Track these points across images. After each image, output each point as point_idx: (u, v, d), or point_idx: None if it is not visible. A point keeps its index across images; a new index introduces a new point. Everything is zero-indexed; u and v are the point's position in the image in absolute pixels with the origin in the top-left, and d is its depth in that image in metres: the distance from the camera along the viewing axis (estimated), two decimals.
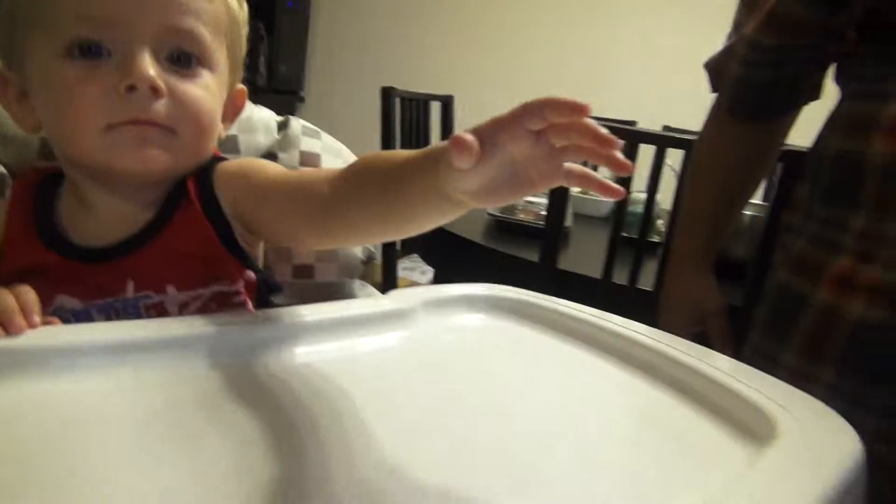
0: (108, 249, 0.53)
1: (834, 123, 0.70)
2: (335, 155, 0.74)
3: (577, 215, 1.45)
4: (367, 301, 0.56)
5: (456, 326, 0.56)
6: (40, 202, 0.55)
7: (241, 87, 0.59)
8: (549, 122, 0.33)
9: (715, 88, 0.83)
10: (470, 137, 0.33)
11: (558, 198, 1.06)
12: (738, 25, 0.78)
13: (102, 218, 0.54)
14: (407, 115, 1.99)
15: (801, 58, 0.73)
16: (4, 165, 0.60)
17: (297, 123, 0.74)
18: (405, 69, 2.77)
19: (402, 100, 1.95)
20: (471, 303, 0.59)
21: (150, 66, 0.47)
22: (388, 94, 1.86)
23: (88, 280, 0.52)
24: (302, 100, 3.22)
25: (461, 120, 2.23)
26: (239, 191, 0.53)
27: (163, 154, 0.50)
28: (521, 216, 1.37)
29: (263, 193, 0.52)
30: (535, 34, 2.75)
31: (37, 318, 0.42)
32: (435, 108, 2.15)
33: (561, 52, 2.71)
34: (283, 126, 0.74)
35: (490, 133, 0.34)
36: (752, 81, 0.77)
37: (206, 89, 0.52)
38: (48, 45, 0.48)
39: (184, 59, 0.50)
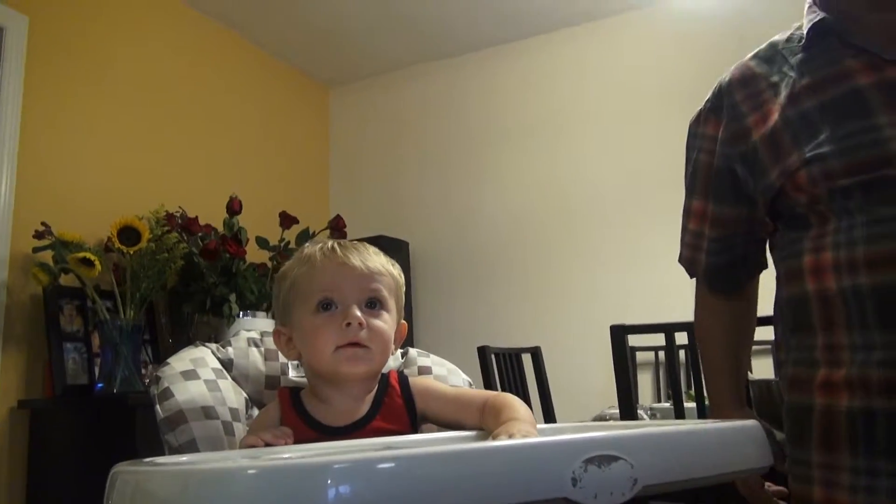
0: (341, 428, 0.89)
1: (780, 282, 0.98)
2: (440, 365, 1.11)
3: None
4: None
5: None
6: (296, 402, 0.93)
7: (403, 322, 0.97)
8: None
9: (692, 275, 1.11)
10: None
11: None
12: (687, 211, 1.07)
13: (335, 409, 0.91)
14: (502, 367, 2.35)
15: (743, 241, 1.04)
16: (247, 393, 1.01)
17: (413, 350, 1.13)
18: (494, 326, 3.22)
19: (497, 355, 2.34)
20: None
21: (357, 312, 0.88)
22: (483, 351, 2.26)
23: None
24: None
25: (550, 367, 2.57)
26: (428, 401, 0.92)
27: (363, 363, 0.89)
28: None
29: (439, 408, 0.92)
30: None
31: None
32: (526, 359, 2.52)
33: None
34: (404, 354, 1.13)
35: None
36: (718, 266, 1.04)
37: (385, 322, 0.91)
38: (305, 307, 0.89)
39: (373, 304, 0.91)
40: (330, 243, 0.93)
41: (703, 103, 1.06)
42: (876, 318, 0.82)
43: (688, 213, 1.08)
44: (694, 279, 1.12)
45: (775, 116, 0.93)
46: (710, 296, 1.09)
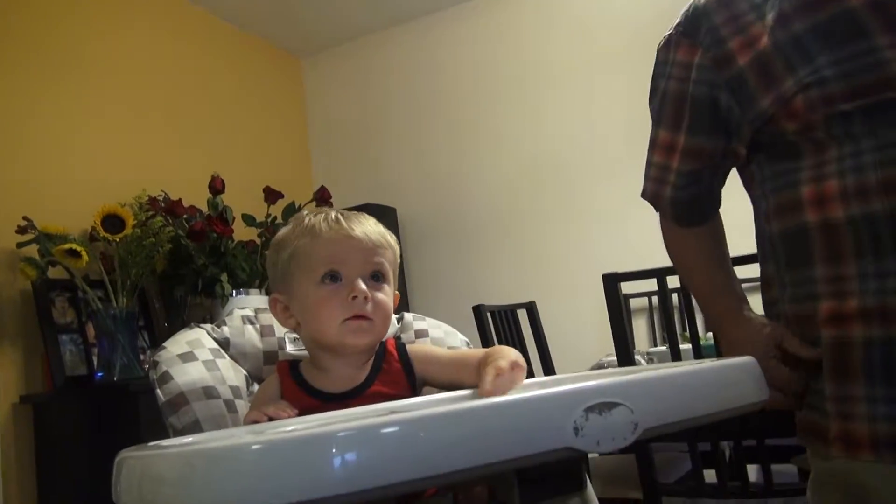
0: (341, 394, 0.90)
1: (767, 216, 0.94)
2: (436, 328, 1.12)
3: None
4: None
5: None
6: (295, 373, 0.93)
7: (396, 292, 0.97)
8: None
9: (657, 209, 1.06)
10: None
11: None
12: (652, 143, 1.02)
13: (334, 377, 0.92)
14: (498, 325, 2.37)
15: (710, 175, 0.99)
16: (245, 370, 1.01)
17: (409, 315, 1.14)
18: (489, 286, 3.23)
19: (492, 313, 2.35)
20: None
21: (363, 286, 0.89)
22: (479, 310, 2.27)
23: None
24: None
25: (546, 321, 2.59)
26: (426, 365, 0.94)
27: (368, 335, 0.90)
28: None
29: (438, 370, 0.93)
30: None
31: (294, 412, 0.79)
32: (522, 315, 2.53)
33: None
34: (400, 319, 1.13)
35: None
36: (683, 200, 1.01)
37: (387, 294, 0.92)
38: (309, 278, 0.90)
39: (377, 277, 0.92)
40: (333, 213, 0.93)
41: (674, 27, 0.99)
42: (892, 245, 0.80)
43: (653, 144, 1.03)
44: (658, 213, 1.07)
45: (764, 40, 0.88)
46: (678, 228, 1.05)
